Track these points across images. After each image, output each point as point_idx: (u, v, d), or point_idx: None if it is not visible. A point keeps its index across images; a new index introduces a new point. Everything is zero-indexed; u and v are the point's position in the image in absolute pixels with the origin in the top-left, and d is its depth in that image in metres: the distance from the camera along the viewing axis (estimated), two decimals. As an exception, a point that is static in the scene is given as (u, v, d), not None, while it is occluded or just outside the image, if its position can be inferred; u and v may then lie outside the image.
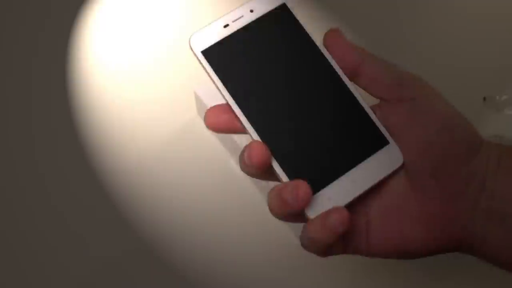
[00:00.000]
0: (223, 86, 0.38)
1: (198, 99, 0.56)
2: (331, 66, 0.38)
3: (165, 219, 0.53)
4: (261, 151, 0.35)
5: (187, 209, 0.53)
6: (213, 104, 0.53)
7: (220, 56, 0.38)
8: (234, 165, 0.56)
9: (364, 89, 0.38)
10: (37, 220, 0.53)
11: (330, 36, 0.39)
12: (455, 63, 0.62)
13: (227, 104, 0.38)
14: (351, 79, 0.38)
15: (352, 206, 0.37)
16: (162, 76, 0.61)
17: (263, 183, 0.52)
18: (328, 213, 0.35)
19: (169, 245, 0.52)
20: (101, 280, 0.50)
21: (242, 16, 0.39)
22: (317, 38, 0.39)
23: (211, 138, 0.57)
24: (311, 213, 0.36)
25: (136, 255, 0.51)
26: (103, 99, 0.59)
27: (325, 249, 0.36)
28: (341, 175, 0.37)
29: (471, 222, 0.36)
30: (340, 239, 0.36)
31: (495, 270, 0.38)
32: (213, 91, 0.55)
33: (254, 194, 0.54)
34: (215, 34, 0.39)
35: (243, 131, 0.38)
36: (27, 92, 0.60)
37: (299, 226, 0.51)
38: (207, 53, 0.38)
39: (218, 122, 0.38)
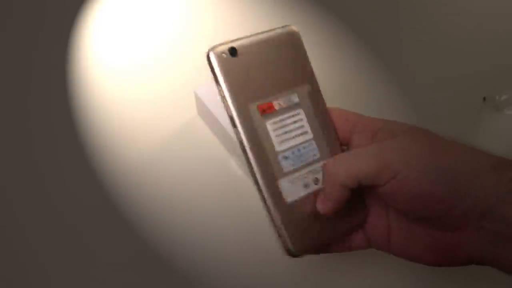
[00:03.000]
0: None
1: (198, 99, 0.56)
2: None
3: (165, 218, 0.53)
4: None
5: (187, 209, 0.53)
6: (213, 104, 0.54)
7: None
8: (234, 165, 0.56)
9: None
10: (37, 220, 0.53)
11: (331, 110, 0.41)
12: (455, 63, 0.63)
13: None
14: (344, 144, 0.41)
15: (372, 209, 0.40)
16: (162, 76, 0.61)
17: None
18: None
19: (169, 245, 0.52)
20: (102, 280, 0.50)
21: None
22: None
23: (211, 138, 0.57)
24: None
25: (136, 255, 0.51)
26: (103, 99, 0.59)
27: None
28: None
29: (477, 246, 0.37)
30: (365, 239, 0.40)
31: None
32: (213, 91, 0.55)
33: (254, 194, 0.54)
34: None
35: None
36: (27, 92, 0.60)
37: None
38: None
39: None
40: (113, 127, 0.58)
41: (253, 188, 0.55)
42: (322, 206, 0.38)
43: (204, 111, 0.56)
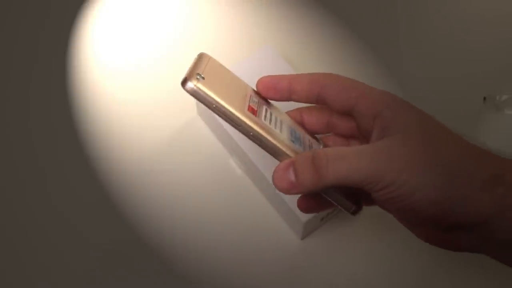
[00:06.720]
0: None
1: (198, 99, 0.56)
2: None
3: (165, 218, 0.53)
4: None
5: (187, 209, 0.53)
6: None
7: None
8: (234, 165, 0.56)
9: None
10: (37, 221, 0.53)
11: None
12: (456, 63, 0.63)
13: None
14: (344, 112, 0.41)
15: None
16: (162, 76, 0.61)
17: (263, 183, 0.52)
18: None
19: (169, 245, 0.52)
20: (101, 279, 0.50)
21: None
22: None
23: (211, 138, 0.57)
24: None
25: (136, 255, 0.51)
26: (103, 99, 0.59)
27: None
28: None
29: (477, 247, 0.37)
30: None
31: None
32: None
33: (254, 194, 0.54)
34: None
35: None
36: (27, 92, 0.60)
37: (299, 225, 0.51)
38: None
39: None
40: (113, 127, 0.58)
41: (253, 188, 0.55)
42: (285, 186, 0.37)
43: (204, 111, 0.56)
